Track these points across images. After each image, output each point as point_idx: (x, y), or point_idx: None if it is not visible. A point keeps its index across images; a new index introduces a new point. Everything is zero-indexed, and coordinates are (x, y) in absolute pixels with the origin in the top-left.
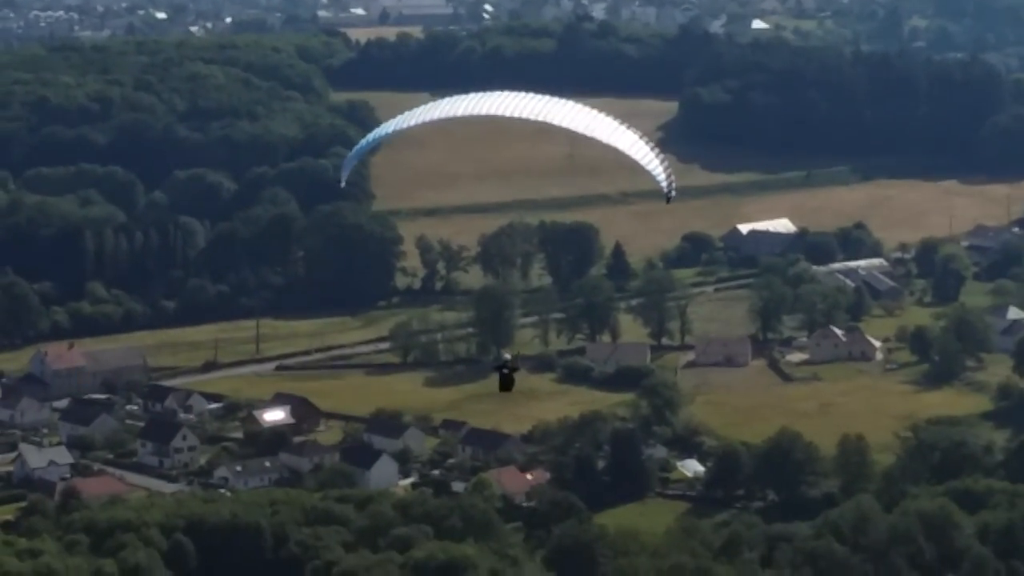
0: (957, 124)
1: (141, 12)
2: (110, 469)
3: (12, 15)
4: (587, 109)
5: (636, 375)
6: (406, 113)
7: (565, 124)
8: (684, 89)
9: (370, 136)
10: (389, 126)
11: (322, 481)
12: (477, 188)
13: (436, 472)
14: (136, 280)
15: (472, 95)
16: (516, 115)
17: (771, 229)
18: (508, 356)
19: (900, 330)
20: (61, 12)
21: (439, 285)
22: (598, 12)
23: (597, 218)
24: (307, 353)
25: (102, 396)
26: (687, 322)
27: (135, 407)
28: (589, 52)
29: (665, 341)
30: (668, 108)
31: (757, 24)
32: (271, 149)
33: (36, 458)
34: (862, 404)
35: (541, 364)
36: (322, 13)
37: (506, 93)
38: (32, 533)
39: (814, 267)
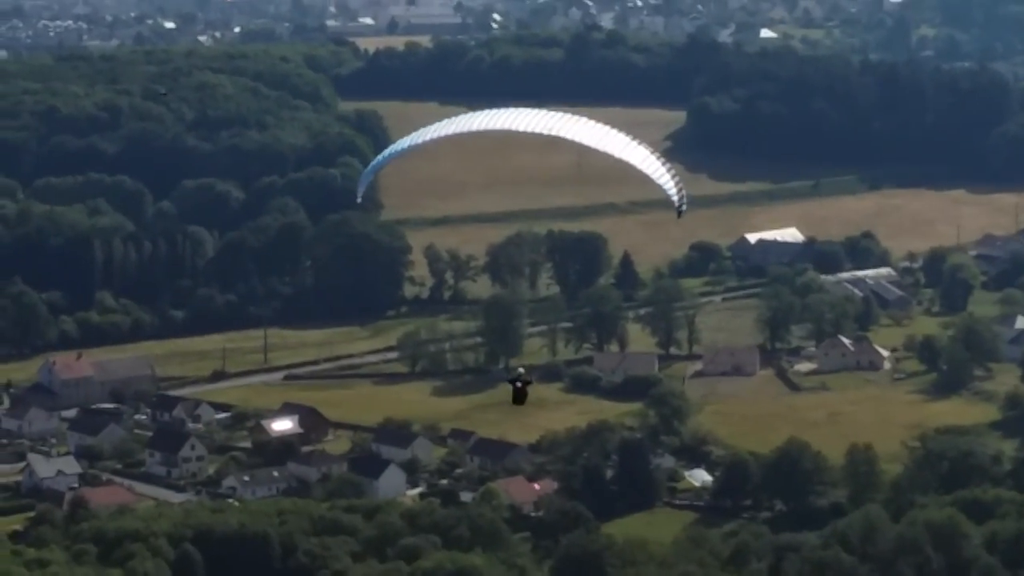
0: (965, 133)
1: (150, 22)
2: (118, 479)
3: (21, 25)
4: (599, 124)
5: (644, 384)
6: (421, 130)
7: (578, 139)
8: (692, 98)
9: (386, 152)
10: (404, 142)
11: (330, 491)
12: (485, 197)
13: (444, 482)
14: (144, 290)
15: (485, 111)
16: (529, 130)
17: (779, 238)
18: (521, 370)
19: (908, 339)
20: (70, 22)
21: (447, 294)
22: (606, 21)
23: (605, 227)
24: (315, 363)
25: (110, 406)
26: (695, 331)
27: (143, 417)
28: (597, 61)
29: (673, 351)
30: (676, 117)
31: (765, 33)
32: (280, 158)
33: (44, 468)
34: (870, 414)
35: (549, 374)
36: (331, 22)
37: (519, 109)
38: (40, 543)
39: (822, 276)
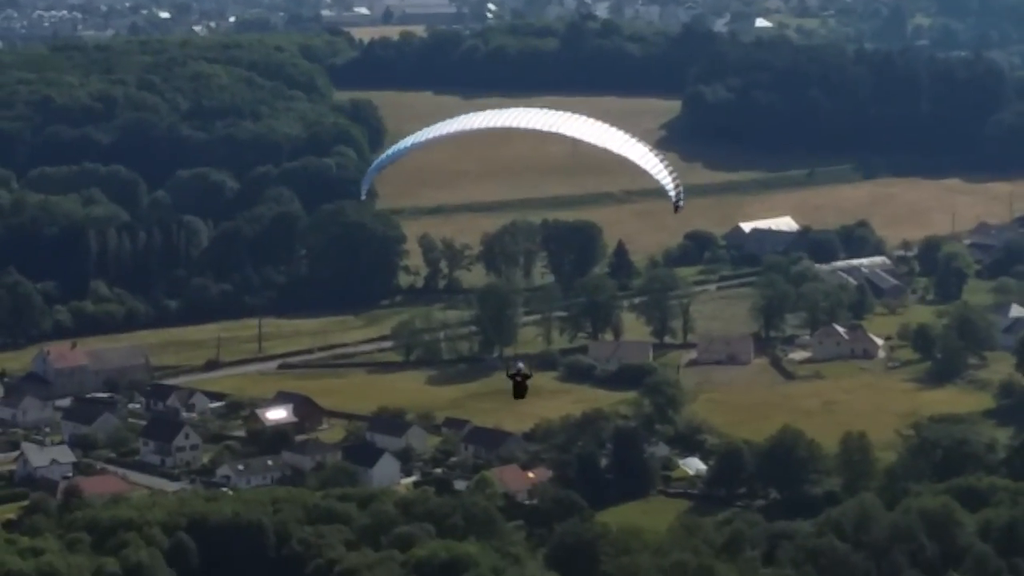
0: (960, 122)
1: (144, 11)
2: (112, 468)
3: (16, 15)
4: (598, 122)
5: (638, 373)
6: (424, 129)
7: (578, 135)
8: (687, 88)
9: (389, 151)
10: (407, 141)
11: (324, 480)
12: (480, 187)
13: (438, 470)
14: (139, 279)
15: (487, 111)
16: (530, 127)
17: (774, 227)
18: (521, 364)
19: (902, 328)
20: (64, 12)
21: (442, 284)
22: (601, 11)
23: (600, 216)
24: (310, 352)
25: (104, 395)
26: (690, 320)
27: (137, 406)
28: (592, 51)
29: (667, 339)
30: (671, 107)
31: (760, 23)
32: (274, 148)
33: (38, 457)
34: (864, 402)
35: (543, 362)
36: (325, 12)
37: (519, 108)
38: (34, 532)
39: (816, 265)
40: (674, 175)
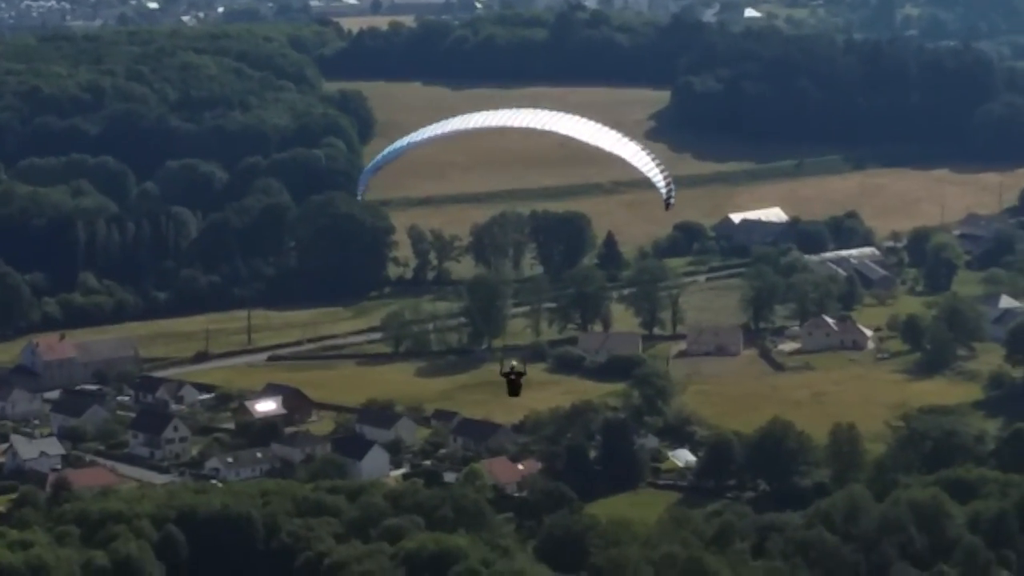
0: (949, 112)
1: (133, 2)
2: (101, 460)
3: (4, 5)
4: (590, 121)
5: (628, 365)
6: (420, 129)
7: (571, 134)
8: (676, 78)
9: (386, 151)
10: (403, 141)
11: (313, 472)
12: (469, 178)
13: (427, 462)
14: (128, 271)
15: (482, 112)
16: (525, 126)
17: (763, 218)
18: (515, 363)
19: (892, 319)
20: (53, 2)
21: (431, 275)
22: (590, 1)
23: (589, 207)
24: (299, 343)
25: (93, 387)
26: (679, 311)
27: (126, 398)
28: (581, 41)
29: (657, 331)
30: (660, 97)
31: (749, 13)
32: (263, 139)
33: (27, 449)
34: (854, 393)
35: (533, 354)
36: (314, 2)
37: (514, 109)
38: (23, 524)
39: (806, 256)
40: (665, 173)
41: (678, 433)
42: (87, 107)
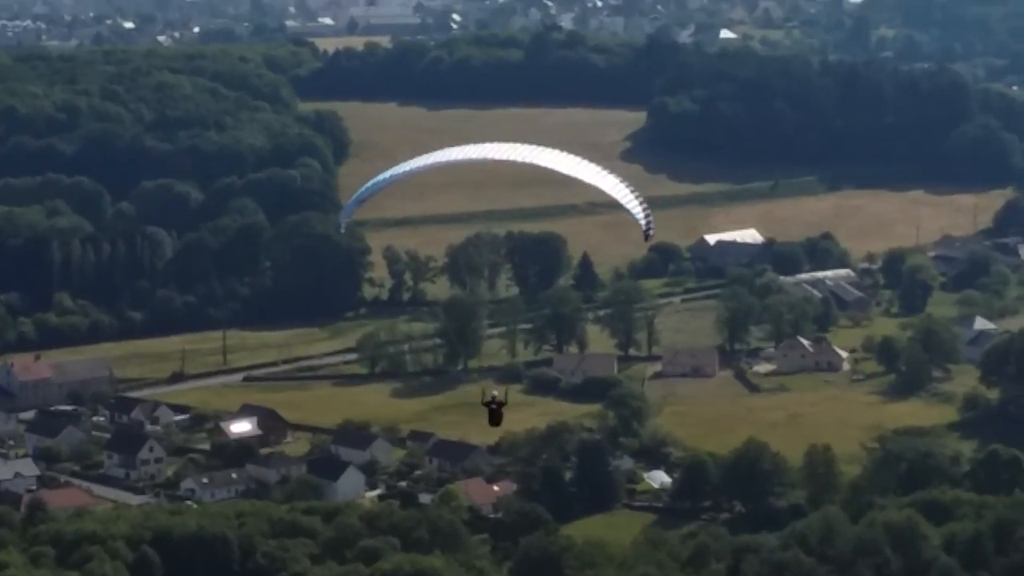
0: (924, 134)
1: (109, 22)
2: (76, 481)
3: None
4: (571, 156)
5: (603, 386)
6: (404, 163)
7: (552, 167)
8: (652, 99)
9: (369, 184)
10: (387, 174)
11: (289, 493)
12: (445, 198)
13: (403, 483)
14: (103, 291)
15: (465, 146)
16: (506, 159)
17: (738, 239)
18: (495, 392)
19: (867, 340)
20: (28, 21)
21: (406, 296)
22: (566, 22)
23: (564, 228)
24: (274, 364)
25: (68, 407)
26: (654, 333)
27: (101, 418)
28: (557, 62)
29: (632, 352)
30: (636, 118)
31: (725, 34)
32: (239, 159)
33: (2, 470)
34: (829, 415)
35: (508, 375)
36: (290, 23)
37: (497, 144)
38: None
39: (781, 277)
40: (644, 206)
41: (653, 454)
42: (62, 127)
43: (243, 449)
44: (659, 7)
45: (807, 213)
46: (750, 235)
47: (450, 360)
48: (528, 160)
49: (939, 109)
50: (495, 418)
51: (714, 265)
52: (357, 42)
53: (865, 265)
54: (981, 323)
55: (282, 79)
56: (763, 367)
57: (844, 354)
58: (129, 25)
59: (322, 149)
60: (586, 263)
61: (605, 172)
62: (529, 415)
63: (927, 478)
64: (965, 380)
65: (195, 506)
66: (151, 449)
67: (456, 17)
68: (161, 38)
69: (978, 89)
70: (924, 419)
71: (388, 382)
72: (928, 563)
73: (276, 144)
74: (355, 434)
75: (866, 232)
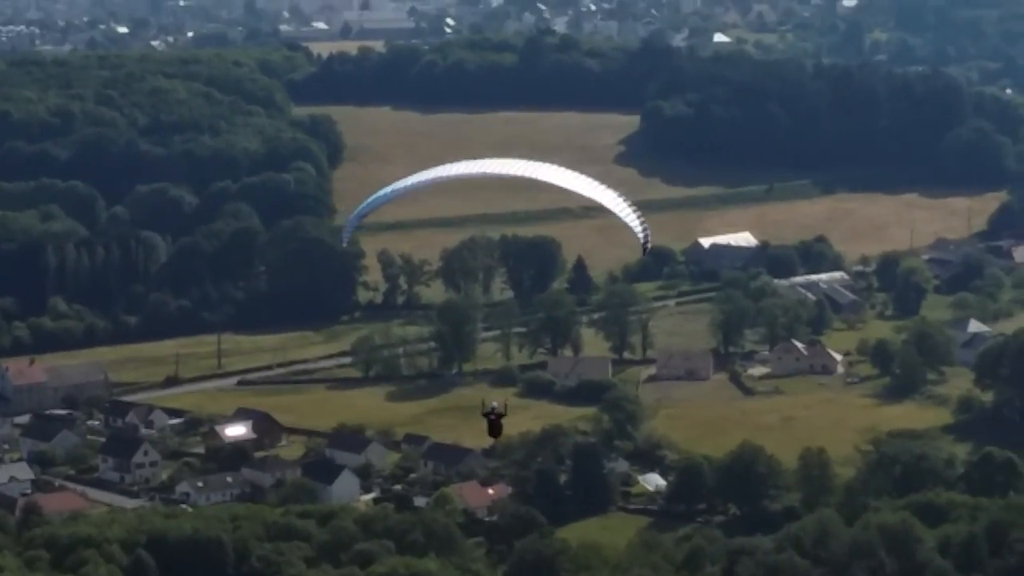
0: (918, 137)
1: (102, 26)
2: (71, 485)
3: None
4: (571, 171)
5: (598, 389)
6: (404, 179)
7: (552, 181)
8: (646, 103)
9: (370, 199)
10: (387, 189)
11: (284, 496)
12: (439, 202)
13: (398, 487)
14: (97, 295)
15: (465, 162)
16: (506, 174)
17: (732, 243)
18: (495, 403)
19: (861, 343)
20: (22, 27)
21: (401, 299)
22: (560, 26)
23: (559, 232)
24: (269, 368)
25: (63, 412)
26: (649, 336)
27: (96, 423)
28: (551, 66)
29: (627, 355)
30: (630, 122)
31: (719, 38)
32: (233, 163)
33: None
34: (823, 418)
35: (503, 378)
36: (284, 27)
37: (497, 159)
38: None
39: (775, 281)
40: (641, 219)
41: (648, 457)
42: (56, 131)
43: (238, 453)
44: (653, 11)
45: (801, 216)
46: (744, 238)
47: (445, 364)
48: (528, 175)
49: (933, 112)
50: (495, 429)
51: (708, 268)
52: (351, 46)
53: (859, 268)
54: (975, 326)
55: (276, 83)
56: (757, 370)
57: (838, 357)
58: (123, 30)
59: (316, 153)
60: (580, 266)
61: (603, 187)
62: (524, 418)
63: (921, 480)
64: (959, 383)
65: (190, 510)
66: (146, 453)
67: (450, 21)
68: (155, 43)
69: (972, 92)
70: (918, 422)
71: (383, 385)
72: (923, 565)
73: (270, 148)
74: (350, 438)
75: (860, 235)
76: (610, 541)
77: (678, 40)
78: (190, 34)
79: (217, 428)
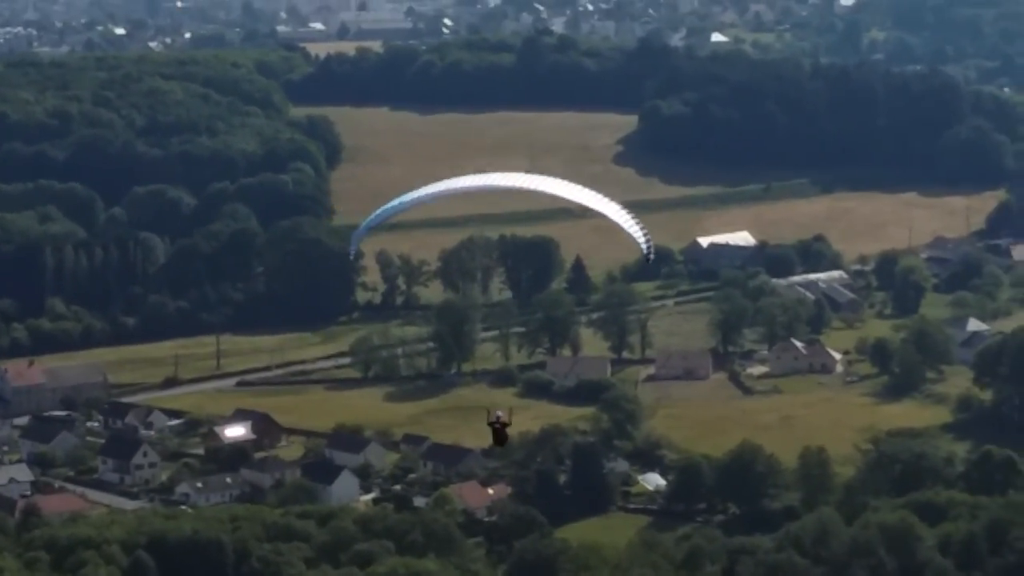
0: (916, 136)
1: (100, 28)
2: (71, 486)
3: None
4: (573, 184)
5: (597, 389)
6: (412, 192)
7: (556, 192)
8: (644, 102)
9: (378, 212)
10: (395, 202)
11: (283, 497)
12: (437, 202)
13: (397, 487)
14: (96, 296)
15: (471, 176)
16: (512, 186)
17: (731, 242)
18: (500, 413)
19: (860, 342)
20: (20, 28)
21: (399, 300)
22: (557, 26)
23: (557, 232)
24: (268, 369)
25: (62, 413)
26: (648, 336)
27: (95, 424)
28: (549, 66)
29: (626, 355)
30: (628, 121)
31: (716, 37)
32: (231, 164)
33: None
34: (823, 417)
35: (502, 378)
36: (281, 28)
37: (502, 173)
38: None
39: (774, 280)
40: (644, 230)
41: (648, 457)
42: (54, 133)
43: (237, 453)
44: (650, 11)
45: (799, 215)
46: (743, 238)
47: (443, 364)
48: (534, 188)
49: (931, 111)
50: (500, 438)
51: (707, 268)
52: (348, 47)
53: (858, 267)
54: (974, 324)
55: (274, 84)
56: (756, 369)
57: (837, 356)
58: (120, 31)
59: (314, 154)
60: (579, 266)
61: (607, 200)
62: (523, 418)
63: (921, 479)
64: (958, 381)
65: (189, 510)
66: (145, 454)
67: (447, 21)
68: (152, 44)
69: (970, 91)
70: (918, 420)
71: (381, 386)
72: (923, 564)
73: (268, 149)
74: (349, 438)
75: (859, 234)
76: (610, 541)
77: (676, 40)
78: (187, 35)
79: (216, 429)
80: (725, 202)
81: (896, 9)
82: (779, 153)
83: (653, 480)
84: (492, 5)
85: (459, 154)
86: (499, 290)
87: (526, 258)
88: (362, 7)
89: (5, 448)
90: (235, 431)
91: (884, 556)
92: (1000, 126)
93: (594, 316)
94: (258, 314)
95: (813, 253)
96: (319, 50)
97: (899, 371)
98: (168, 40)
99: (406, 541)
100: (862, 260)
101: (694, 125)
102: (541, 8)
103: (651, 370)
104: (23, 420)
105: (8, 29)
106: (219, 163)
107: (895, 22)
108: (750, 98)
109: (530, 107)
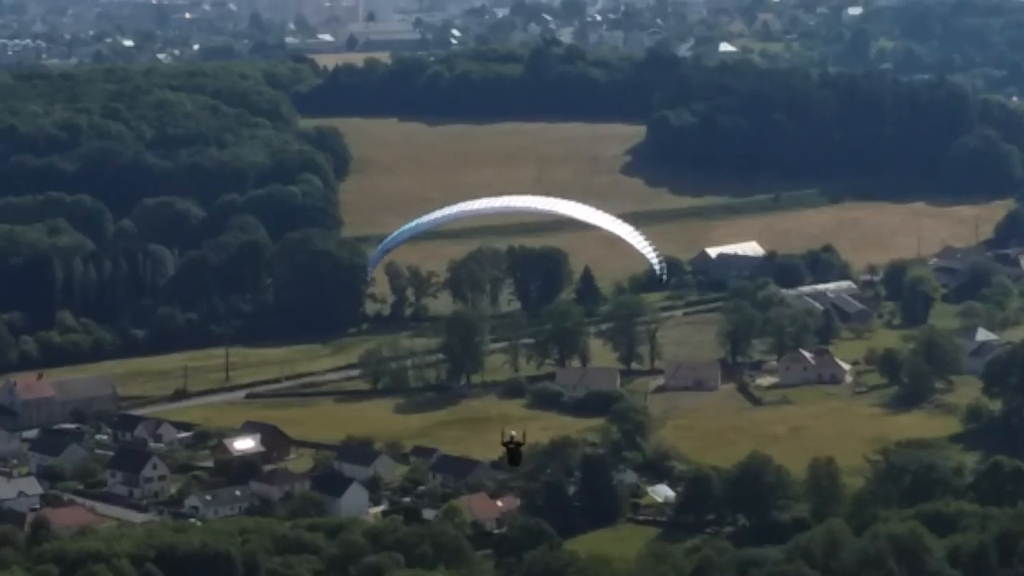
0: (924, 145)
1: (108, 40)
2: (80, 499)
3: None
4: (587, 206)
5: (606, 400)
6: (428, 215)
7: (571, 214)
8: (652, 112)
9: (394, 234)
10: (411, 224)
11: (292, 509)
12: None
13: (407, 499)
14: (105, 309)
15: (485, 199)
16: (525, 207)
17: (740, 252)
18: (514, 433)
19: (869, 353)
20: (28, 40)
21: (408, 311)
22: (565, 36)
23: (566, 243)
24: (277, 381)
25: (71, 426)
26: (656, 346)
27: (105, 437)
28: (557, 76)
29: (635, 366)
30: (636, 132)
31: (724, 47)
32: (240, 176)
33: (5, 489)
34: (832, 427)
35: (511, 390)
36: (290, 40)
37: (516, 196)
38: (2, 565)
39: (783, 290)
40: (656, 251)
41: (657, 468)
42: (63, 145)
43: (246, 466)
44: (658, 21)
45: (808, 225)
46: (751, 248)
47: (453, 375)
48: (546, 209)
49: (939, 120)
50: (514, 457)
51: (715, 278)
52: (357, 58)
53: (867, 277)
54: (983, 334)
55: (282, 96)
56: (765, 380)
57: (846, 366)
58: (129, 43)
59: (323, 165)
60: (588, 277)
61: (619, 221)
62: (532, 430)
63: (930, 490)
64: (968, 391)
65: (199, 523)
66: (154, 467)
67: (455, 32)
68: (161, 56)
69: (978, 100)
70: (927, 431)
71: (391, 398)
72: (932, 575)
73: (277, 161)
74: (358, 450)
75: (867, 244)
76: (619, 552)
77: (684, 50)
78: (196, 47)
79: (225, 441)
80: (733, 212)
81: (904, 18)
82: (787, 163)
83: (662, 491)
84: (500, 16)
85: (466, 165)
86: (508, 301)
87: (535, 269)
88: (370, 19)
89: (14, 461)
90: (244, 443)
91: (894, 567)
92: (1008, 135)
93: (603, 327)
94: (267, 326)
95: (822, 263)
96: (328, 61)
97: (908, 381)
98: (177, 52)
99: (415, 553)
100: (871, 270)
101: (702, 135)
102: (549, 19)
103: (660, 381)
104: (32, 433)
105: (17, 41)
106: (228, 175)
107: (903, 31)
108: (758, 108)
109: (538, 117)
